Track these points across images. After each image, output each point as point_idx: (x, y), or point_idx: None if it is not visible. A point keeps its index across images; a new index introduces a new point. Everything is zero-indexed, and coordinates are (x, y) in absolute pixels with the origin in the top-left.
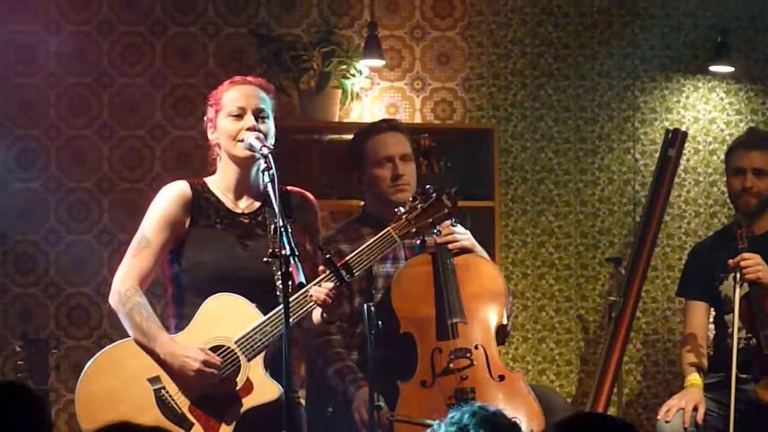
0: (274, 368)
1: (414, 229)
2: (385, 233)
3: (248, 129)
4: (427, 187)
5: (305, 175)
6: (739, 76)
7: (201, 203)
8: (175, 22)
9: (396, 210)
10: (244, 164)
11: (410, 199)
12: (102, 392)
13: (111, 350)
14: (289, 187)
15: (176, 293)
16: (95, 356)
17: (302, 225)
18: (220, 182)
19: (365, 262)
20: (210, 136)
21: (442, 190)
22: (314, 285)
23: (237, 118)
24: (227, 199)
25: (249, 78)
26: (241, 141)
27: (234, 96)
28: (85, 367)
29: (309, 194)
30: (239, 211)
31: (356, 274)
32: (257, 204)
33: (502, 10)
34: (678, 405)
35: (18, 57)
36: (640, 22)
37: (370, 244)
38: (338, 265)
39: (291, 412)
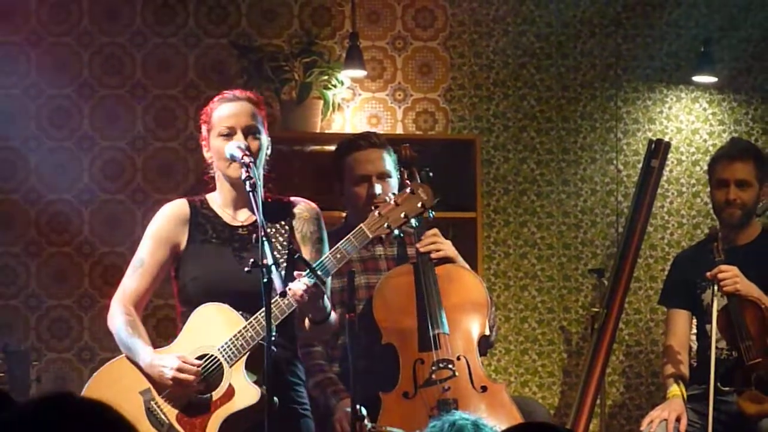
0: (273, 378)
1: (386, 224)
2: (357, 230)
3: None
4: (405, 181)
5: (286, 186)
6: (722, 86)
7: (199, 220)
8: (155, 33)
9: (371, 208)
10: (238, 183)
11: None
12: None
13: (109, 366)
14: (292, 198)
15: (180, 309)
16: (96, 373)
17: (300, 233)
18: (218, 197)
19: (339, 260)
20: (205, 155)
21: (418, 184)
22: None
23: (227, 138)
24: (226, 214)
25: (237, 92)
26: (233, 161)
27: (222, 115)
28: (87, 384)
29: (311, 203)
30: (237, 224)
31: (331, 271)
32: (255, 216)
33: (483, 20)
34: (661, 416)
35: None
36: (623, 32)
37: (343, 241)
38: (313, 265)
39: (295, 423)
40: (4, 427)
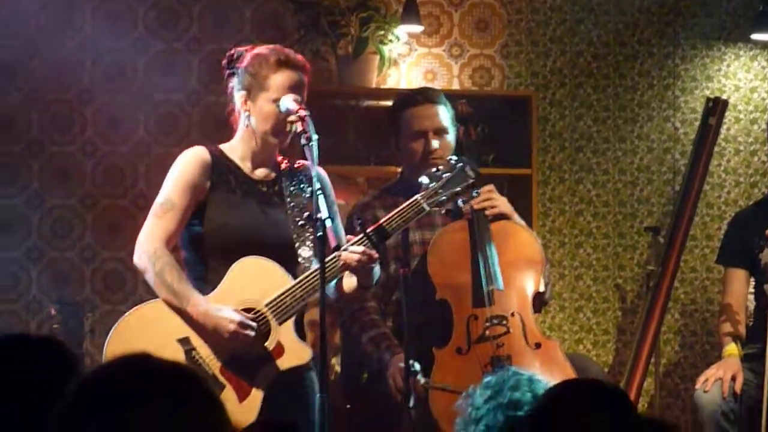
0: (298, 332)
1: (443, 197)
2: (413, 201)
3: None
4: (449, 157)
5: (342, 141)
6: None
7: (221, 169)
8: None
9: (420, 181)
10: (272, 143)
11: (434, 169)
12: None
13: (139, 310)
14: (303, 162)
15: (192, 257)
16: (123, 316)
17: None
18: (239, 149)
19: (394, 228)
20: (239, 106)
21: (464, 160)
22: (344, 249)
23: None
24: (245, 167)
25: (292, 57)
26: (283, 132)
27: (282, 83)
28: (113, 327)
29: (320, 168)
30: (257, 178)
31: (385, 239)
32: (273, 174)
33: None
34: (716, 375)
35: None
36: None
37: (399, 210)
38: (368, 230)
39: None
40: (83, 388)
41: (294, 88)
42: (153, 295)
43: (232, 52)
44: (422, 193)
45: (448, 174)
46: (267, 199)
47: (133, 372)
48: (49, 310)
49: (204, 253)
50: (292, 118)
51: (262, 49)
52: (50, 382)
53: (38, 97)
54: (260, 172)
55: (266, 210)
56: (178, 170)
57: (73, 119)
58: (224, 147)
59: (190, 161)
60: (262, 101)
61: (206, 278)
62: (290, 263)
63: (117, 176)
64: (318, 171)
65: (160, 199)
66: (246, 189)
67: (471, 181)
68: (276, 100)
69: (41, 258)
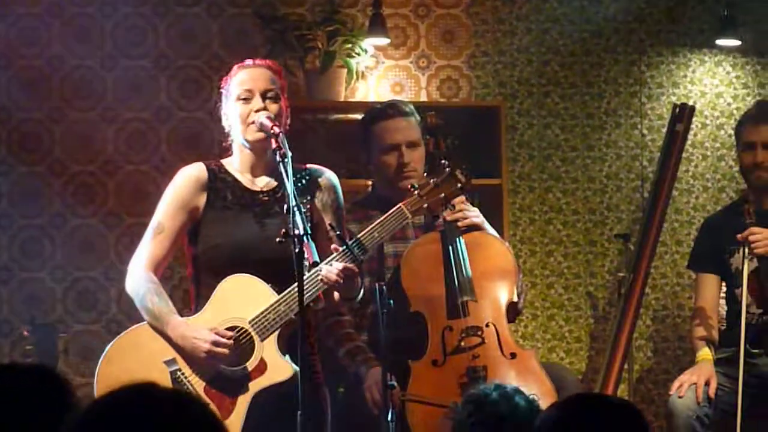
0: (293, 349)
1: (426, 205)
2: (396, 209)
3: (257, 111)
4: (442, 162)
5: (311, 155)
6: (745, 49)
7: (217, 184)
8: (178, 2)
9: (410, 186)
10: (258, 147)
11: (425, 174)
12: (121, 373)
13: (130, 333)
14: (308, 165)
15: (195, 275)
16: (116, 339)
17: (321, 202)
18: (236, 163)
19: (377, 239)
20: (224, 123)
21: (455, 165)
22: (325, 264)
23: (245, 101)
24: (245, 179)
25: (256, 60)
26: (252, 123)
27: (241, 79)
28: (106, 349)
29: (328, 170)
30: (257, 189)
31: (368, 250)
32: (275, 182)
33: None
34: (690, 380)
35: None
36: None
37: (381, 220)
38: (350, 242)
39: (315, 392)
40: (89, 419)
41: (252, 81)
42: (126, 315)
43: None
44: (406, 200)
45: (435, 180)
46: (267, 209)
47: (138, 401)
48: (21, 331)
49: (200, 272)
50: (253, 127)
51: None
52: (45, 412)
53: (7, 117)
54: (261, 182)
55: (264, 222)
56: (171, 190)
57: (41, 138)
58: (225, 161)
59: (182, 180)
60: (230, 107)
61: (201, 296)
62: (286, 277)
63: (86, 195)
64: (329, 176)
65: (153, 223)
66: (244, 203)
67: (459, 186)
68: (239, 98)
69: (12, 279)
